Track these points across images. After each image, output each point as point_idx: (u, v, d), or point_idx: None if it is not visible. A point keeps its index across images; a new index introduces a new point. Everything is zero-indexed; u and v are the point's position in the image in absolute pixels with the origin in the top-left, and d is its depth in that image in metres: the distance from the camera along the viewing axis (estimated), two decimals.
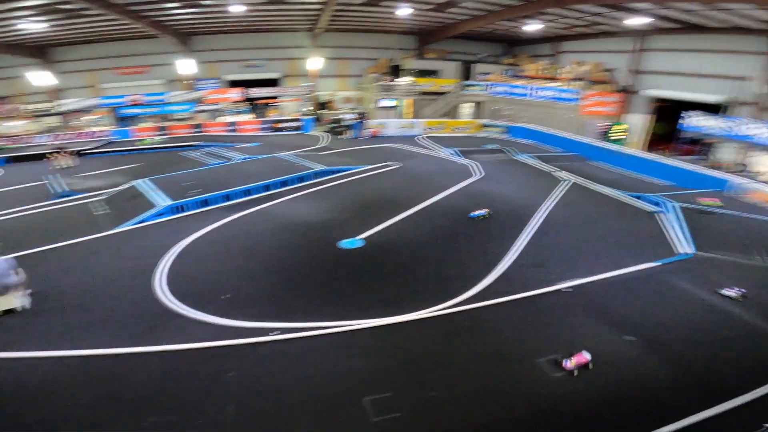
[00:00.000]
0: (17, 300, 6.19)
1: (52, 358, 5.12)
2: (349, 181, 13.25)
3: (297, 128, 23.49)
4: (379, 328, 5.86)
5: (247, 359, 5.17)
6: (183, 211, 10.29)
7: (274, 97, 25.74)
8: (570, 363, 4.92)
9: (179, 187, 11.28)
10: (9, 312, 6.09)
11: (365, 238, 8.82)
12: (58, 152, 16.63)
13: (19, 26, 18.23)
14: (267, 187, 11.95)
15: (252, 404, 4.45)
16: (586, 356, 4.98)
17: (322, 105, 26.58)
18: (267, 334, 5.60)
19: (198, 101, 24.35)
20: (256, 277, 7.29)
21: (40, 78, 22.90)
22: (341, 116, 22.95)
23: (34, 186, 13.46)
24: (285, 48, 26.22)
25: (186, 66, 23.64)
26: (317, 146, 19.35)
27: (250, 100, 25.13)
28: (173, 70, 24.43)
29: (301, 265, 7.76)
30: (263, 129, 23.38)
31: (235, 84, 25.77)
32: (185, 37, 24.40)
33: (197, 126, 23.13)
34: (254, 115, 24.79)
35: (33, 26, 18.53)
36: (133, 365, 5.05)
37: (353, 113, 23.08)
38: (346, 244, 8.58)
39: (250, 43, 25.94)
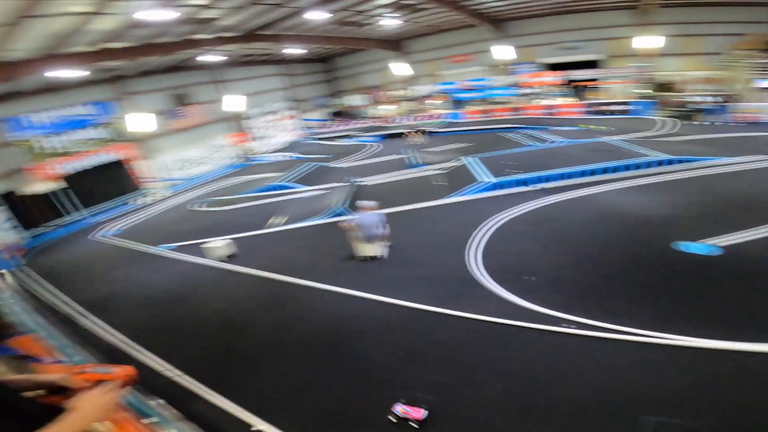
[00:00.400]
0: (380, 249, 8.26)
1: (388, 304, 6.68)
2: (700, 174, 10.70)
3: (624, 111, 20.78)
4: (710, 351, 4.68)
5: (532, 345, 5.24)
6: (503, 188, 10.96)
7: (595, 79, 23.49)
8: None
9: (501, 166, 12.08)
10: (373, 258, 8.20)
11: (723, 246, 6.98)
12: (412, 131, 21.22)
13: (381, 23, 22.62)
14: (592, 173, 11.08)
15: (520, 389, 4.53)
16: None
17: (662, 86, 21.78)
18: (560, 325, 5.46)
19: (515, 85, 25.02)
20: (565, 265, 7.12)
21: (399, 68, 29.15)
22: (691, 98, 18.53)
23: (400, 158, 17.66)
24: (605, 28, 23.05)
25: (503, 51, 24.55)
26: (656, 132, 16.35)
27: (569, 82, 23.86)
28: (492, 56, 25.80)
29: (618, 260, 7.04)
30: (586, 112, 21.78)
31: (552, 67, 24.90)
32: (500, 23, 25.16)
33: (516, 109, 23.95)
34: (575, 99, 23.35)
35: (390, 22, 22.66)
36: (437, 323, 6.00)
37: (712, 95, 18.04)
38: (687, 247, 7.14)
39: (566, 25, 24.14)
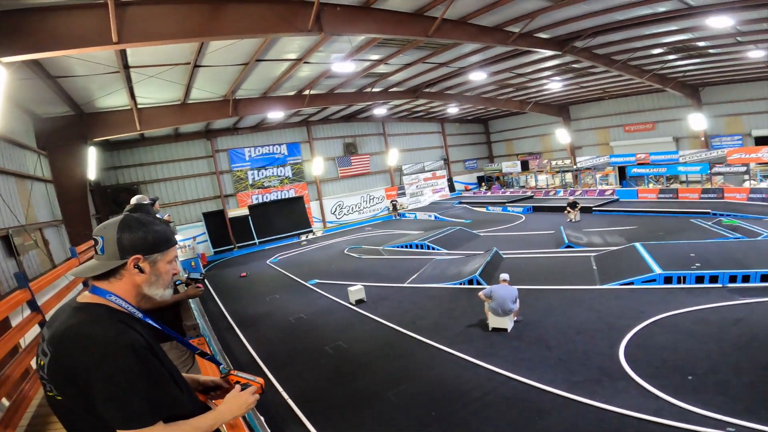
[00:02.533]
0: (510, 323, 7.84)
1: (506, 377, 6.33)
2: None
3: None
4: None
5: None
6: (675, 283, 9.15)
7: None
8: None
9: (675, 256, 10.18)
10: (500, 330, 7.81)
11: None
12: (571, 207, 19.43)
13: (546, 86, 21.66)
14: None
15: None
16: None
17: None
18: (724, 429, 4.53)
19: (715, 162, 20.78)
20: (746, 369, 5.66)
21: (562, 135, 27.58)
22: None
23: (547, 234, 16.48)
24: None
25: (696, 121, 21.09)
26: None
27: None
28: (680, 126, 22.45)
29: None
30: None
31: (764, 141, 20.07)
32: (694, 89, 21.75)
33: (713, 191, 19.87)
34: None
35: (554, 86, 21.33)
36: (555, 406, 5.48)
37: None
38: None
39: None
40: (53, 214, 11.70)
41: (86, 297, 1.42)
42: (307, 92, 16.69)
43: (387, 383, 6.64)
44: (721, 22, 11.17)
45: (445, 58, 14.98)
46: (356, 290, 10.82)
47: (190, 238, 20.76)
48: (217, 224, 22.18)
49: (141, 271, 1.44)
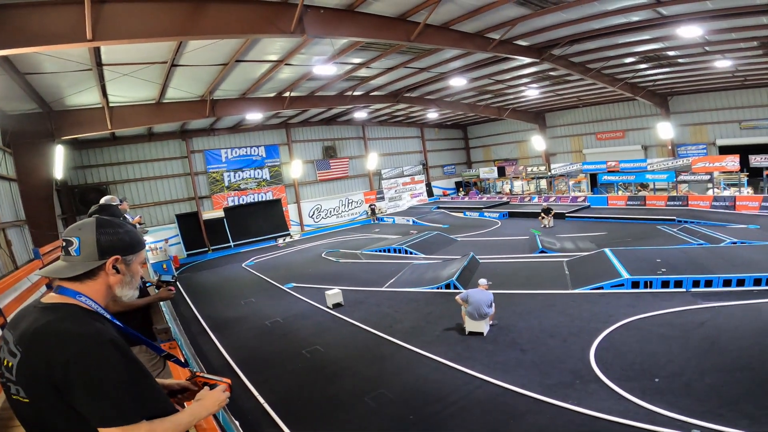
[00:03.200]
0: (486, 327, 7.99)
1: (482, 380, 6.39)
2: None
3: None
4: None
5: None
6: (642, 287, 9.50)
7: None
8: None
9: (642, 261, 10.57)
10: (476, 334, 7.94)
11: None
12: (545, 212, 19.90)
13: (523, 93, 22.04)
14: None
15: None
16: None
17: None
18: (689, 431, 4.72)
19: (680, 170, 21.57)
20: (709, 371, 5.90)
21: (537, 142, 28.15)
22: None
23: (522, 239, 16.84)
24: None
25: (664, 130, 21.91)
26: None
27: (749, 170, 19.47)
28: (649, 134, 23.31)
29: None
30: (767, 208, 17.55)
31: (727, 150, 20.93)
32: (662, 98, 22.58)
33: (677, 198, 20.72)
34: (752, 190, 19.34)
35: (531, 93, 21.71)
36: (529, 408, 5.59)
37: None
38: None
39: (749, 100, 20.62)
40: (17, 214, 11.19)
41: (53, 298, 1.39)
42: (287, 94, 16.56)
43: (364, 387, 6.62)
44: (691, 32, 11.59)
45: (427, 63, 15.15)
46: (334, 294, 10.76)
47: (162, 240, 20.20)
48: (190, 226, 21.66)
49: (117, 271, 1.45)
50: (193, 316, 11.59)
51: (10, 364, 1.27)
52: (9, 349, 1.29)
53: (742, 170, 19.44)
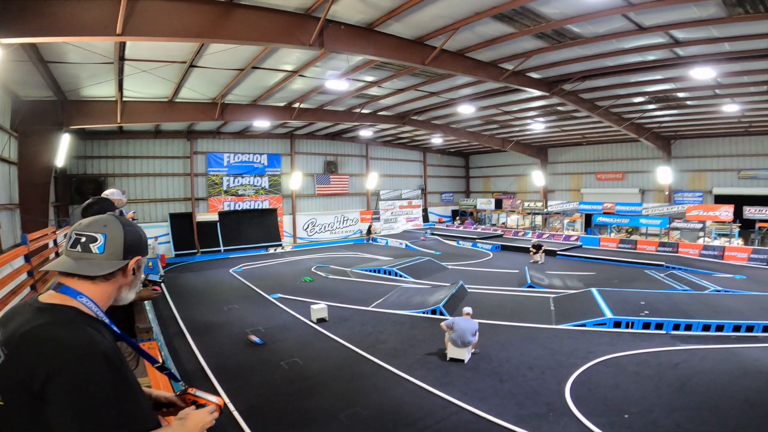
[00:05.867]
0: (468, 354, 8.00)
1: (458, 406, 6.38)
2: None
3: None
4: None
5: None
6: (623, 327, 9.61)
7: None
8: None
9: (627, 302, 10.72)
10: (457, 361, 7.96)
11: None
12: (535, 248, 20.02)
13: (529, 126, 22.21)
14: (749, 329, 9.09)
15: None
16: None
17: None
18: None
19: (674, 217, 21.58)
20: (678, 409, 6.06)
21: (537, 177, 28.35)
22: None
23: (512, 273, 16.91)
24: None
25: (664, 174, 22.14)
26: None
27: (742, 220, 19.52)
28: (648, 178, 23.56)
29: (752, 416, 5.83)
30: (755, 260, 17.86)
31: (723, 199, 21.15)
32: (666, 141, 22.81)
33: (668, 245, 20.95)
34: (743, 241, 19.55)
35: (537, 126, 21.89)
36: None
37: None
38: None
39: (751, 148, 20.97)
40: (10, 197, 11.21)
41: (52, 297, 1.30)
42: (297, 105, 16.87)
43: (340, 404, 6.56)
44: (704, 74, 11.65)
45: (437, 87, 15.40)
46: (319, 309, 10.71)
47: (152, 238, 20.12)
48: (182, 226, 21.62)
49: (133, 273, 1.41)
50: (172, 316, 11.48)
51: None
52: None
53: (735, 221, 19.57)
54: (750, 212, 19.01)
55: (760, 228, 18.92)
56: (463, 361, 7.99)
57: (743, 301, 10.84)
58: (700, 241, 20.39)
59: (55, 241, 7.53)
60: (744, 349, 8.23)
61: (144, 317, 4.28)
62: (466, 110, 18.10)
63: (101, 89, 12.20)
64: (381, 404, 6.59)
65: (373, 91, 15.56)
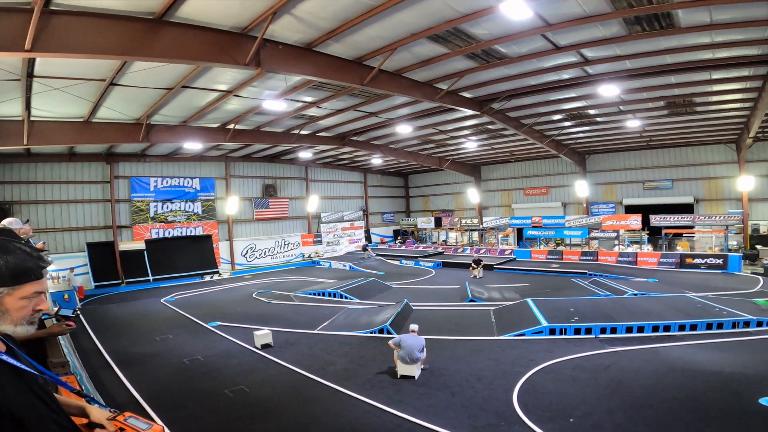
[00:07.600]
0: (417, 370, 8.06)
1: (413, 423, 6.33)
2: None
3: (719, 266, 18.74)
4: None
5: None
6: (558, 334, 10.26)
7: (688, 227, 21.36)
8: None
9: (558, 310, 11.48)
10: (408, 377, 8.00)
11: None
12: (475, 264, 20.85)
13: (463, 145, 23.41)
14: (666, 329, 10.10)
15: None
16: None
17: (760, 237, 20.18)
18: None
19: (592, 228, 23.79)
20: (616, 410, 6.46)
21: (472, 195, 29.82)
22: None
23: (454, 288, 17.42)
24: (699, 165, 22.35)
25: (581, 188, 24.24)
26: (753, 290, 14.67)
27: (650, 228, 22.01)
28: (568, 192, 25.63)
29: (682, 411, 6.31)
30: (664, 264, 20.12)
31: (632, 209, 23.76)
32: (581, 156, 25.03)
33: (589, 253, 22.91)
34: (652, 247, 21.92)
35: (470, 145, 23.11)
36: None
37: None
38: None
39: (652, 161, 23.74)
40: None
41: None
42: (231, 126, 16.34)
43: (294, 429, 6.26)
44: (609, 91, 13.20)
45: (376, 107, 15.80)
46: (263, 334, 10.22)
47: (67, 269, 18.08)
48: (103, 256, 19.73)
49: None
50: (95, 349, 10.35)
51: None
52: None
53: (643, 228, 21.97)
54: (656, 220, 21.49)
55: (665, 234, 21.42)
56: (413, 377, 8.01)
57: (659, 303, 12.09)
58: (616, 249, 22.56)
59: None
60: (665, 348, 9.09)
61: (57, 352, 3.76)
62: (404, 130, 18.72)
63: (5, 108, 10.99)
64: (335, 427, 6.37)
65: (312, 111, 15.58)
